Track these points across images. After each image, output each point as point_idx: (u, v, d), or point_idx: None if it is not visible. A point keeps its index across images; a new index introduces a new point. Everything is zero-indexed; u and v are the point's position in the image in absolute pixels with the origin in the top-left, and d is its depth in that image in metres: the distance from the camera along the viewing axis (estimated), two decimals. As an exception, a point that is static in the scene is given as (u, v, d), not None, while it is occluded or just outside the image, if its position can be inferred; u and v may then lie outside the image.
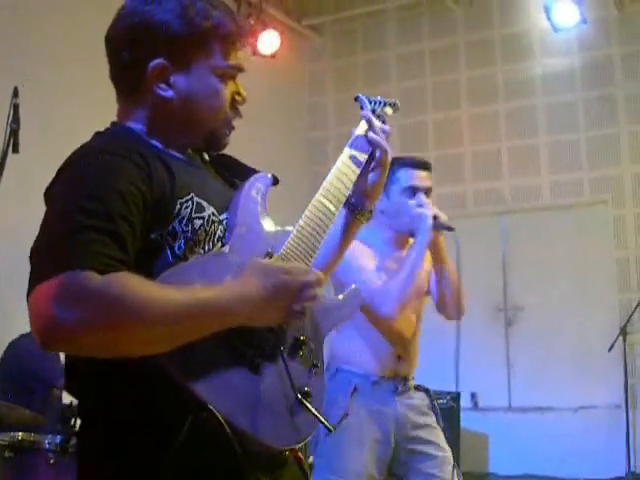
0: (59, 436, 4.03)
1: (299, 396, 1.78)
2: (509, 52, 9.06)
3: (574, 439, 8.22)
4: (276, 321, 1.76)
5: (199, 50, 1.87)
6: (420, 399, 3.71)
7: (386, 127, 2.21)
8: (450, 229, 3.55)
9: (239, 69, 1.95)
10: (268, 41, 8.04)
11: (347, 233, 2.29)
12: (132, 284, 1.55)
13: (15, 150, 4.11)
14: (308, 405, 1.77)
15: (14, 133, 4.10)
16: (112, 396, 1.71)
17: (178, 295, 1.58)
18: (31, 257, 1.62)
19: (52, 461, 3.95)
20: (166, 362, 1.60)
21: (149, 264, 1.69)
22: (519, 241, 8.91)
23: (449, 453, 3.68)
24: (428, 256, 3.64)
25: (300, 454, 1.93)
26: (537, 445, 8.23)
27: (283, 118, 9.14)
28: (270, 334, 1.77)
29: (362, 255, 3.61)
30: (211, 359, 1.65)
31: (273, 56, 8.12)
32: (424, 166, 3.72)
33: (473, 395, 8.72)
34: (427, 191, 3.69)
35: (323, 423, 1.81)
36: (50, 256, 1.57)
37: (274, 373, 1.76)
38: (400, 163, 3.69)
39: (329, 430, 1.83)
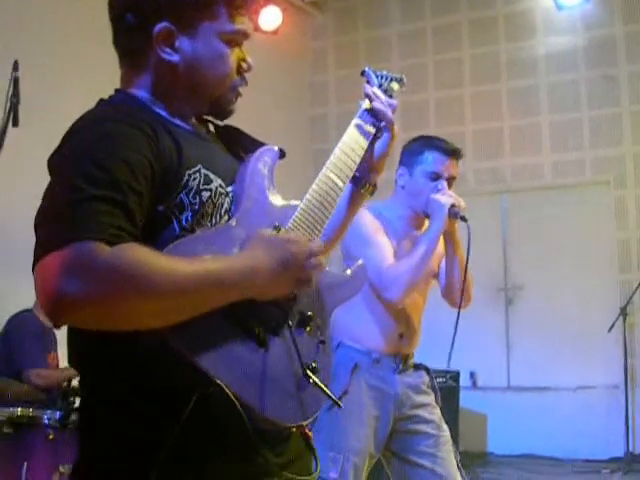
0: (58, 412, 4.03)
1: (307, 371, 1.76)
2: (512, 30, 9.02)
3: (573, 419, 8.25)
4: (284, 292, 1.74)
5: (205, 14, 1.83)
6: (420, 378, 3.71)
7: (392, 101, 2.20)
8: (464, 220, 3.52)
9: (245, 35, 1.92)
10: (270, 17, 7.98)
11: (351, 207, 2.28)
12: (140, 255, 1.52)
13: (15, 124, 4.10)
14: (316, 380, 1.76)
15: (14, 107, 4.09)
16: (115, 370, 1.68)
17: (187, 266, 1.56)
18: (36, 228, 1.59)
19: (51, 437, 3.95)
20: (172, 337, 1.58)
21: (156, 236, 1.67)
22: (520, 221, 8.90)
23: (447, 432, 3.68)
24: (440, 240, 3.62)
25: (307, 431, 1.92)
26: (536, 425, 8.26)
27: (284, 95, 9.11)
28: (277, 309, 1.75)
29: (376, 229, 3.58)
30: (218, 334, 1.63)
31: (275, 32, 8.07)
32: (454, 153, 3.68)
33: (472, 374, 8.73)
34: (451, 179, 3.67)
35: (331, 398, 1.80)
36: (57, 227, 1.54)
37: (281, 348, 1.74)
38: (432, 144, 3.65)
39: (338, 406, 1.82)
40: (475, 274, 3.72)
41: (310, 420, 1.80)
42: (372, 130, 2.13)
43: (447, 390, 7.00)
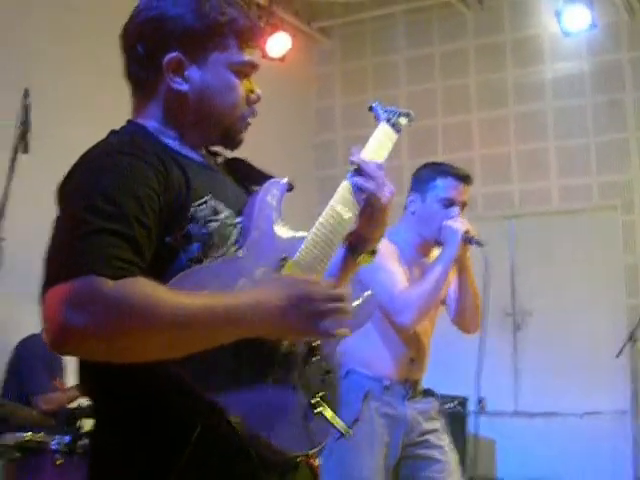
0: (66, 437, 4.04)
1: (313, 402, 1.77)
2: (519, 56, 9.04)
3: (580, 445, 8.20)
4: (299, 335, 1.72)
5: (214, 44, 1.86)
6: (429, 404, 3.71)
7: (380, 169, 2.08)
8: (480, 244, 3.53)
9: (254, 66, 1.95)
10: (278, 43, 7.99)
11: (342, 273, 2.16)
12: (144, 289, 1.53)
13: (25, 151, 4.13)
14: (322, 412, 1.76)
15: (24, 134, 4.12)
16: (123, 399, 1.70)
17: (189, 300, 1.56)
18: (44, 258, 1.61)
19: (59, 462, 3.96)
20: (178, 368, 1.59)
21: (164, 267, 1.68)
22: (527, 245, 8.89)
23: (456, 457, 3.68)
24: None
25: (313, 461, 1.92)
26: (543, 450, 8.21)
27: (290, 121, 9.12)
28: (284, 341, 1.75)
29: (389, 254, 3.58)
30: (224, 364, 1.64)
31: (282, 59, 8.09)
32: (466, 180, 3.70)
33: (480, 400, 8.70)
34: (463, 205, 3.68)
35: (337, 429, 1.80)
36: (63, 259, 1.56)
37: (288, 378, 1.75)
38: (443, 171, 3.67)
39: (344, 436, 1.82)
40: (483, 299, 3.73)
41: (316, 450, 1.80)
42: (359, 203, 2.04)
43: (455, 415, 6.99)
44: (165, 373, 1.59)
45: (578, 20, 7.64)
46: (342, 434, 1.81)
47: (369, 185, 2.02)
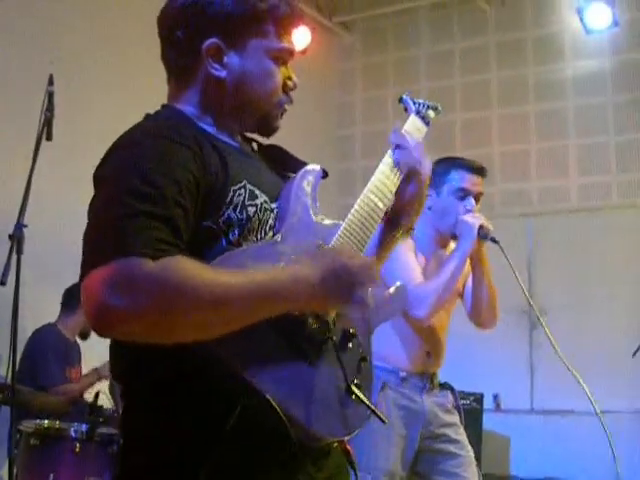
0: (85, 424, 4.05)
1: (350, 387, 1.77)
2: (540, 53, 9.01)
3: (596, 444, 8.16)
4: (337, 307, 1.74)
5: (254, 31, 1.87)
6: (446, 397, 3.71)
7: (420, 144, 2.16)
8: (495, 241, 3.53)
9: (292, 53, 1.95)
10: (299, 37, 7.99)
11: (382, 249, 2.22)
12: (185, 268, 1.54)
13: (49, 138, 4.14)
14: (360, 396, 1.77)
15: (48, 121, 4.13)
16: (157, 381, 1.70)
17: (232, 278, 1.57)
18: (83, 241, 1.61)
19: (78, 449, 3.97)
20: (219, 348, 1.59)
21: (202, 252, 1.68)
22: (545, 243, 8.86)
23: (472, 453, 3.68)
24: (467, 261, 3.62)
25: (348, 446, 1.92)
26: (558, 449, 8.19)
27: (312, 115, 9.12)
28: (321, 325, 1.75)
29: (406, 248, 3.59)
30: (264, 347, 1.64)
31: (304, 52, 8.08)
32: (480, 172, 3.71)
33: (495, 397, 8.69)
34: (478, 196, 3.68)
35: (377, 414, 1.80)
36: (103, 242, 1.56)
37: (325, 363, 1.76)
38: (457, 164, 3.68)
39: (382, 421, 1.82)
40: (499, 296, 3.73)
41: (353, 435, 1.81)
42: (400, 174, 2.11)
43: (470, 412, 6.98)
44: (203, 353, 1.59)
45: (600, 18, 7.62)
46: (381, 420, 1.82)
47: (411, 159, 2.09)
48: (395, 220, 2.18)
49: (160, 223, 1.58)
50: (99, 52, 6.37)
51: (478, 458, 4.26)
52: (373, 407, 1.80)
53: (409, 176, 2.10)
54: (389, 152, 2.11)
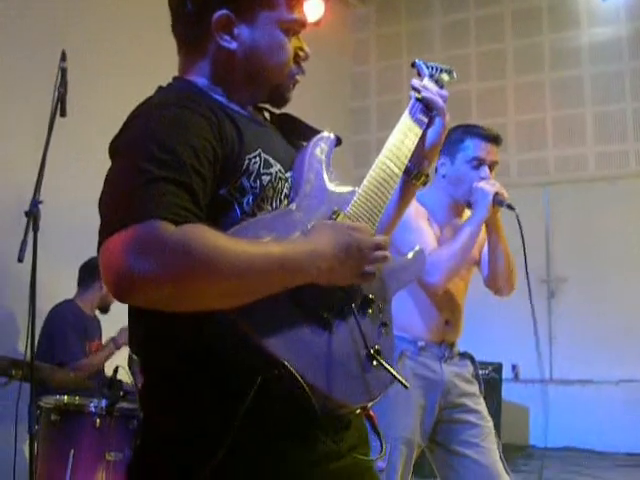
0: (104, 400, 4.06)
1: (372, 352, 1.77)
2: (555, 21, 8.95)
3: (615, 413, 8.18)
4: (347, 281, 1.73)
5: (264, 2, 1.85)
6: (465, 366, 3.70)
7: (443, 92, 2.19)
8: (511, 208, 3.51)
9: (303, 24, 1.93)
10: (312, 8, 7.96)
11: (403, 198, 2.26)
12: (206, 235, 1.52)
13: (62, 114, 4.13)
14: (382, 361, 1.76)
15: (62, 97, 4.12)
16: (180, 352, 1.69)
17: (251, 248, 1.56)
18: (100, 210, 1.60)
19: (98, 424, 3.98)
20: (239, 318, 1.58)
21: (217, 219, 1.66)
22: (563, 212, 8.84)
23: (491, 423, 3.67)
24: (482, 228, 3.61)
25: (372, 412, 1.92)
26: (577, 418, 8.21)
27: (326, 86, 9.10)
28: (341, 292, 1.75)
29: (419, 216, 3.58)
30: (284, 316, 1.63)
31: (317, 24, 8.05)
32: (495, 140, 3.68)
33: (514, 367, 8.70)
34: (492, 165, 3.66)
35: (398, 379, 1.80)
36: (122, 207, 1.54)
37: (345, 330, 1.74)
38: (472, 132, 3.66)
39: (405, 387, 1.81)
40: (517, 266, 3.71)
41: (376, 401, 1.80)
42: (425, 119, 2.13)
43: (489, 382, 6.99)
44: (223, 323, 1.58)
45: (616, -17, 7.57)
46: (403, 385, 1.81)
47: (437, 100, 2.14)
48: (414, 169, 2.19)
49: (179, 190, 1.57)
50: (111, 29, 6.36)
51: (497, 428, 4.25)
52: (395, 372, 1.79)
53: (432, 121, 2.15)
54: (405, 112, 2.12)
